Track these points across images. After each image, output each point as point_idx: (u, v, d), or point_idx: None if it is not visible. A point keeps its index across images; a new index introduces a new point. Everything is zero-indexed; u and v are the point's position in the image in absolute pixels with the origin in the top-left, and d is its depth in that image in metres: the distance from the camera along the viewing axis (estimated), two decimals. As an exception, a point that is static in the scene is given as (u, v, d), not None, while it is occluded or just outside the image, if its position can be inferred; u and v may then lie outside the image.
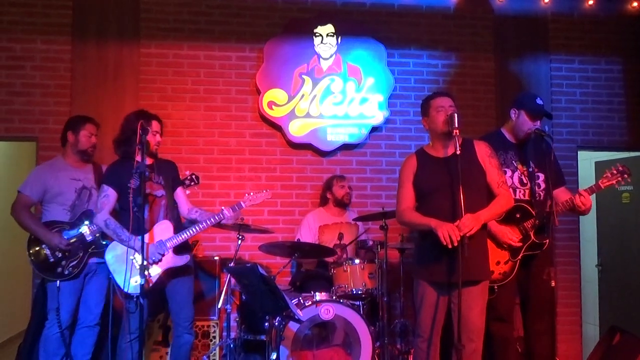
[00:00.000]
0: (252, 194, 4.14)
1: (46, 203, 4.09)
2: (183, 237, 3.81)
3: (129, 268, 3.61)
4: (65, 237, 3.96)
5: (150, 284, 3.70)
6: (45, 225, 4.00)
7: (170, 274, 3.83)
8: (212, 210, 5.04)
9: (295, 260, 4.54)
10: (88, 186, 4.14)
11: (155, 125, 3.89)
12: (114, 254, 3.73)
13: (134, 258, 3.67)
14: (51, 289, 3.99)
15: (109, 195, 3.77)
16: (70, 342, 4.07)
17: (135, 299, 3.63)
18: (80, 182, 4.12)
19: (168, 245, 3.76)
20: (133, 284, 3.64)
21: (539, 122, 3.81)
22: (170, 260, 3.79)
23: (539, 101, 3.80)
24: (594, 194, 3.81)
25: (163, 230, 3.81)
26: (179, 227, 3.90)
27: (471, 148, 3.36)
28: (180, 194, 4.06)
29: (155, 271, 3.73)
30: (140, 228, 3.53)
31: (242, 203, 4.05)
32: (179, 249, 3.83)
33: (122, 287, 3.65)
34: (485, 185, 3.31)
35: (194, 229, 3.84)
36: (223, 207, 3.98)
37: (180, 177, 4.28)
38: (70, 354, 4.06)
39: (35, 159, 5.03)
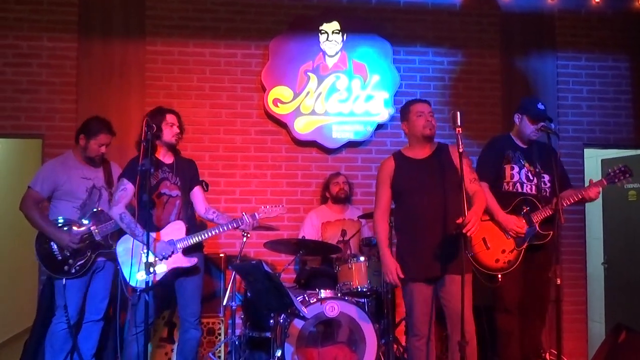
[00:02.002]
0: (267, 207, 4.13)
1: (55, 199, 4.07)
2: (194, 239, 3.84)
3: (136, 262, 3.65)
4: (77, 234, 3.96)
5: (154, 282, 3.69)
6: (55, 223, 4.00)
7: (179, 272, 3.85)
8: (217, 209, 5.08)
9: (299, 258, 4.54)
10: (98, 186, 4.13)
11: (170, 118, 3.92)
12: (125, 247, 3.76)
13: (144, 253, 3.68)
14: (58, 286, 3.99)
15: (127, 189, 3.78)
16: (76, 337, 4.07)
17: (138, 293, 3.67)
18: (90, 182, 4.11)
19: (178, 245, 3.79)
20: (139, 278, 3.67)
21: (541, 124, 3.90)
22: (178, 260, 3.80)
23: (540, 106, 3.94)
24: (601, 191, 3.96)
25: (175, 230, 3.84)
26: (192, 228, 3.92)
27: (446, 152, 3.55)
28: (197, 193, 4.07)
29: (161, 269, 3.74)
30: (148, 226, 3.58)
31: (256, 215, 4.05)
32: (189, 251, 3.85)
33: (127, 280, 3.70)
34: (460, 185, 3.36)
35: (206, 234, 3.89)
36: (244, 213, 4.02)
37: None
38: (77, 349, 4.07)
39: (41, 156, 5.04)
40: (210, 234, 3.91)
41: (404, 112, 3.65)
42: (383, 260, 3.52)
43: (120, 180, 3.87)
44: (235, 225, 3.95)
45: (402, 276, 3.42)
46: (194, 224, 4.02)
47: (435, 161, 3.50)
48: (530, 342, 3.96)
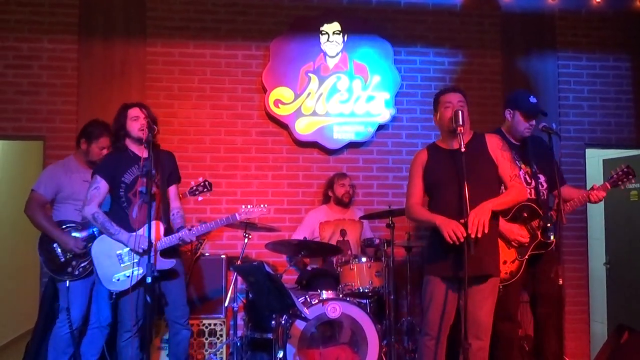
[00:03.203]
0: (249, 207, 3.98)
1: (58, 203, 4.10)
2: (172, 240, 3.69)
3: (112, 264, 3.63)
4: (81, 239, 3.97)
5: (131, 284, 3.62)
6: (57, 224, 4.01)
7: (160, 276, 3.70)
8: (218, 210, 5.10)
9: (300, 259, 4.53)
10: None
11: (132, 112, 3.76)
12: (100, 247, 3.67)
13: (122, 253, 3.65)
14: (62, 289, 4.00)
15: (100, 187, 3.67)
16: (80, 341, 4.06)
17: (113, 295, 3.65)
18: None
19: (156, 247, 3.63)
20: (114, 280, 3.63)
21: (534, 121, 3.80)
22: (156, 262, 3.60)
23: (532, 99, 3.80)
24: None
25: (153, 231, 3.62)
26: (170, 228, 3.79)
27: (482, 142, 3.34)
28: (171, 192, 3.90)
29: (137, 272, 3.63)
30: (125, 226, 3.60)
31: (237, 215, 3.92)
32: (166, 253, 3.70)
33: (102, 281, 3.65)
34: (496, 179, 3.29)
35: (184, 237, 3.70)
36: (219, 220, 3.89)
37: (193, 183, 4.30)
38: (79, 353, 4.06)
39: (43, 158, 5.04)
40: (187, 236, 3.72)
41: (434, 104, 3.43)
42: (439, 223, 3.12)
43: (93, 177, 3.72)
44: (209, 227, 3.81)
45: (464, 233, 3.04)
46: (170, 225, 3.85)
47: (469, 152, 3.17)
48: (551, 351, 3.85)
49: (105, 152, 4.11)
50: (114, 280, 3.63)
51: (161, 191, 3.80)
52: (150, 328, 3.72)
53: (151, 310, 3.51)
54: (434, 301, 3.30)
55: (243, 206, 4.00)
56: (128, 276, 3.63)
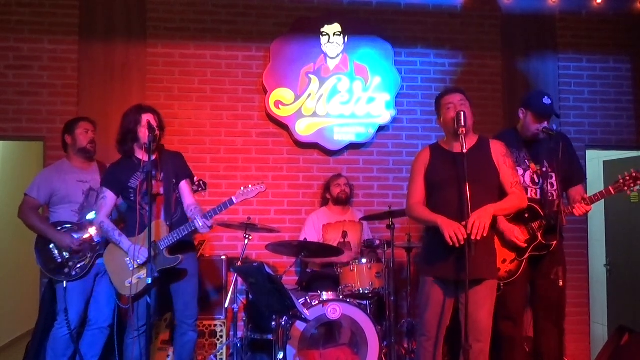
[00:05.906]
0: (246, 188, 3.84)
1: (54, 205, 4.08)
2: (174, 237, 3.66)
3: (122, 270, 3.65)
4: (76, 237, 3.96)
5: (138, 289, 3.63)
6: (52, 224, 4.01)
7: (172, 273, 3.75)
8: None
9: (301, 259, 4.54)
10: (95, 188, 4.11)
11: (145, 117, 3.73)
12: (111, 255, 3.74)
13: (128, 260, 3.66)
14: (59, 290, 3.98)
15: (107, 197, 3.74)
16: (79, 342, 4.05)
17: (130, 302, 3.65)
18: (87, 184, 4.11)
19: (161, 246, 3.65)
20: (126, 285, 3.65)
21: (546, 122, 3.75)
22: (161, 261, 3.65)
23: (546, 100, 3.74)
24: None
25: (156, 230, 3.66)
26: (177, 225, 3.72)
27: (486, 146, 3.33)
28: (183, 187, 3.85)
29: (145, 274, 3.61)
30: (141, 225, 3.60)
31: (233, 199, 3.82)
32: (172, 250, 3.70)
33: (116, 287, 3.70)
34: (497, 185, 3.27)
35: (186, 229, 3.66)
36: (221, 204, 3.77)
37: None
38: (81, 354, 4.05)
39: (43, 159, 5.04)
40: (189, 229, 3.67)
41: (436, 107, 3.42)
42: (440, 223, 3.10)
43: (100, 189, 3.83)
44: (203, 218, 3.64)
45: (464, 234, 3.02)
46: (180, 221, 3.77)
47: (471, 156, 3.15)
48: (550, 353, 3.85)
49: (91, 134, 4.16)
50: (126, 285, 3.65)
51: (166, 191, 3.78)
52: (151, 329, 3.72)
53: (152, 312, 3.54)
54: (430, 302, 3.30)
55: (242, 187, 3.87)
56: (140, 277, 3.64)
